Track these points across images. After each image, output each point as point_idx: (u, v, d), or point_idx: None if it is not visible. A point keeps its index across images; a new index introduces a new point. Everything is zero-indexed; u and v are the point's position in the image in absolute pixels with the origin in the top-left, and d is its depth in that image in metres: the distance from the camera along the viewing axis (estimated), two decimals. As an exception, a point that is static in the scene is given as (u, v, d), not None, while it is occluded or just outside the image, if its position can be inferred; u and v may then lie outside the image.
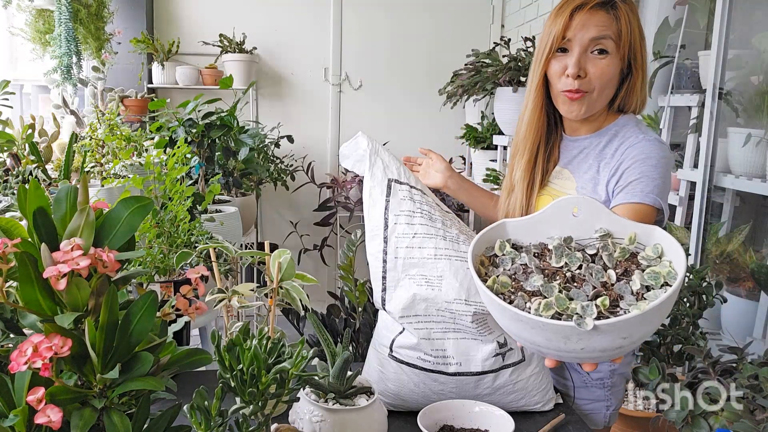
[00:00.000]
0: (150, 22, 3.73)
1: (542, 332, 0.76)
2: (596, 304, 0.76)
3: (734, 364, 1.28)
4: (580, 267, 0.84)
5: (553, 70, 1.16)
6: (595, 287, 0.80)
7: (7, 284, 0.63)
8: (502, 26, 3.99)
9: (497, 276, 0.85)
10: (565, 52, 1.15)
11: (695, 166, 2.32)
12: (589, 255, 0.86)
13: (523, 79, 2.90)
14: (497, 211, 1.39)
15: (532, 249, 0.89)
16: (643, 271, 0.81)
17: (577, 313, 0.75)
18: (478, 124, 3.47)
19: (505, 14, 3.97)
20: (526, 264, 0.86)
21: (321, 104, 4.03)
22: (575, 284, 0.82)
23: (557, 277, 0.84)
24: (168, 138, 2.15)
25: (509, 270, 0.86)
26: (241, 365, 0.77)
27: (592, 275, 0.82)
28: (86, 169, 2.05)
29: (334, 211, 3.85)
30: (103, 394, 0.61)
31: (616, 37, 1.11)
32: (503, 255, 0.88)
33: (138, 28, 3.59)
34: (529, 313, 0.76)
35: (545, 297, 0.79)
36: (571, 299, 0.78)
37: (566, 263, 0.84)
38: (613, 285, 0.81)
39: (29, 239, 0.62)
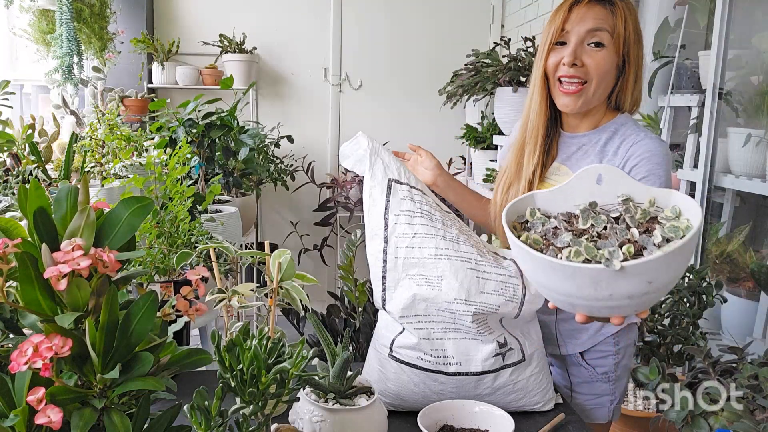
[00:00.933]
0: (150, 22, 3.73)
1: (573, 279, 0.80)
2: (622, 252, 0.81)
3: (734, 364, 1.28)
4: (605, 228, 0.88)
5: (551, 62, 1.20)
6: (619, 240, 0.85)
7: (7, 284, 0.63)
8: (502, 26, 3.99)
9: (529, 234, 0.89)
10: (562, 45, 1.19)
11: (695, 166, 2.32)
12: (613, 218, 0.90)
13: (523, 79, 2.90)
14: (490, 208, 1.39)
15: (560, 216, 0.93)
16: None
17: (605, 258, 0.79)
18: (478, 124, 3.47)
19: (505, 14, 3.97)
20: (555, 226, 0.90)
21: (321, 104, 4.03)
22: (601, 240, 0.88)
23: (584, 236, 0.88)
24: (168, 138, 2.15)
25: (540, 232, 0.90)
26: (241, 365, 0.77)
27: (616, 233, 0.86)
28: (86, 169, 2.05)
29: (334, 211, 3.85)
30: (103, 394, 0.61)
31: (612, 31, 1.15)
32: (534, 220, 0.93)
33: (138, 28, 3.59)
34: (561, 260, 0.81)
35: None
36: (598, 249, 0.82)
37: (592, 224, 0.88)
38: (636, 240, 0.85)
39: (29, 239, 0.63)
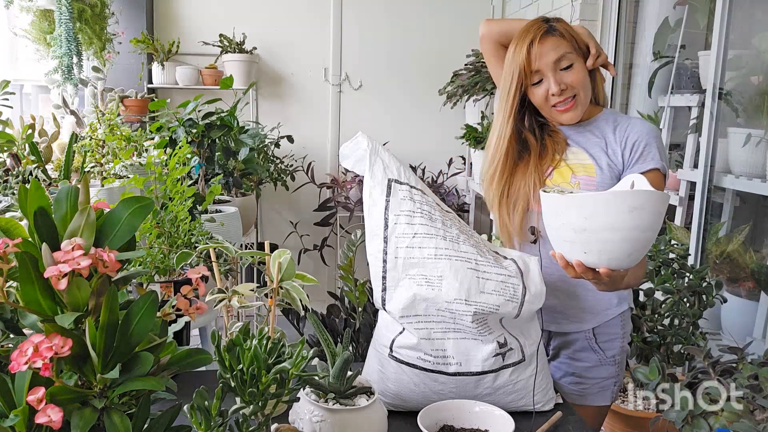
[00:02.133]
0: (150, 22, 3.73)
1: (546, 206, 1.06)
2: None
3: (734, 364, 1.28)
4: None
5: (539, 97, 1.33)
6: None
7: (8, 284, 0.63)
8: (502, 26, 3.98)
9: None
10: (539, 83, 1.32)
11: (695, 166, 2.32)
12: None
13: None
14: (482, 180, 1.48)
15: None
16: None
17: (560, 191, 1.06)
18: (478, 124, 3.47)
19: (505, 14, 3.97)
20: None
21: (321, 104, 4.02)
22: None
23: None
24: (168, 138, 2.15)
25: None
26: (241, 365, 0.77)
27: None
28: (86, 169, 2.05)
29: (334, 211, 3.85)
30: (103, 394, 0.61)
31: (571, 49, 1.31)
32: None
33: (138, 28, 3.59)
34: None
35: None
36: None
37: None
38: None
39: (30, 239, 0.63)
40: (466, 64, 3.21)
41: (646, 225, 0.99)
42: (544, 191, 1.08)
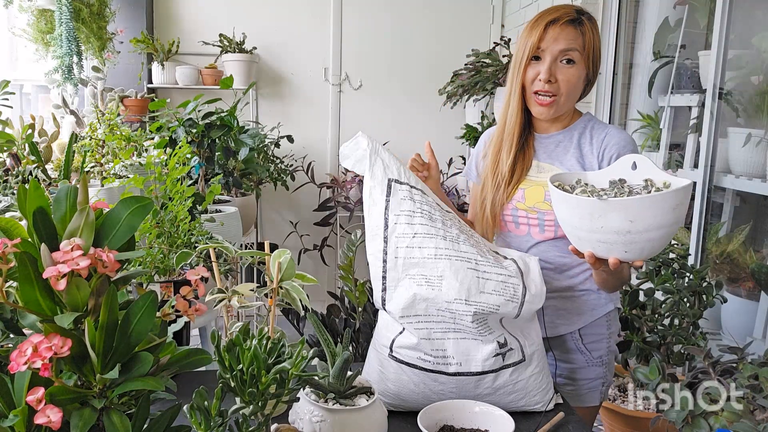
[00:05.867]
0: (150, 21, 3.73)
1: (575, 209, 1.05)
2: (615, 194, 1.04)
3: (734, 364, 1.28)
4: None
5: (529, 76, 1.33)
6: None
7: (7, 284, 0.63)
8: (502, 26, 3.98)
9: (562, 183, 1.13)
10: (538, 60, 1.32)
11: (695, 166, 2.32)
12: (635, 192, 1.09)
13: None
14: (483, 208, 1.46)
15: (597, 187, 1.14)
16: None
17: (598, 194, 1.04)
18: (478, 124, 3.47)
19: (505, 14, 3.97)
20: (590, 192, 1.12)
21: (321, 104, 4.02)
22: None
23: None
24: (168, 138, 2.15)
25: (574, 188, 1.13)
26: (241, 365, 0.77)
27: (623, 192, 1.08)
28: (86, 169, 2.05)
29: (334, 211, 3.85)
30: (102, 394, 0.61)
31: (582, 49, 1.30)
32: (575, 184, 1.14)
33: (138, 28, 3.58)
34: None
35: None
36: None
37: (616, 193, 1.08)
38: (629, 192, 1.07)
39: (29, 239, 0.62)
40: (466, 64, 3.21)
41: (682, 217, 1.03)
42: (575, 193, 1.06)
